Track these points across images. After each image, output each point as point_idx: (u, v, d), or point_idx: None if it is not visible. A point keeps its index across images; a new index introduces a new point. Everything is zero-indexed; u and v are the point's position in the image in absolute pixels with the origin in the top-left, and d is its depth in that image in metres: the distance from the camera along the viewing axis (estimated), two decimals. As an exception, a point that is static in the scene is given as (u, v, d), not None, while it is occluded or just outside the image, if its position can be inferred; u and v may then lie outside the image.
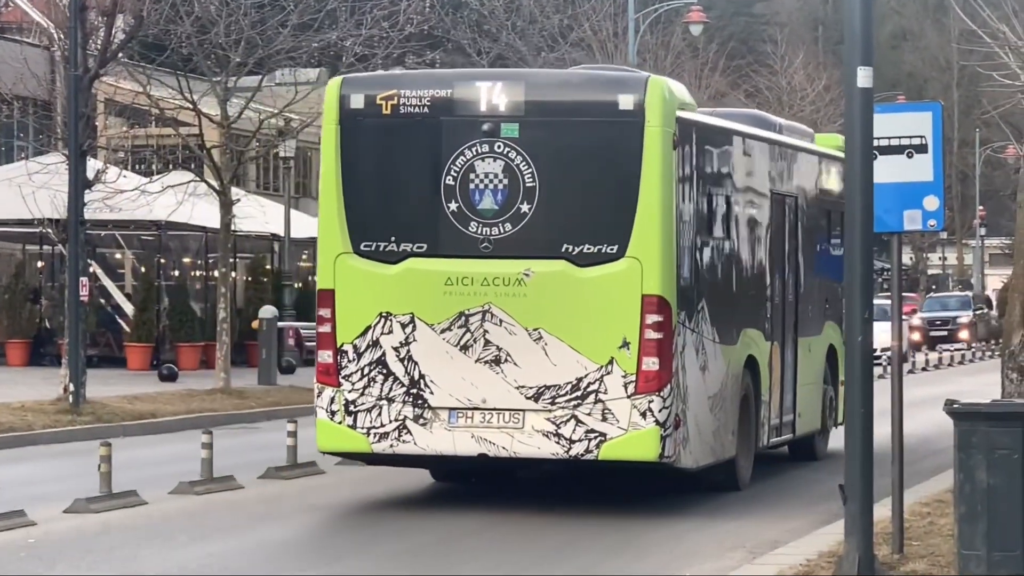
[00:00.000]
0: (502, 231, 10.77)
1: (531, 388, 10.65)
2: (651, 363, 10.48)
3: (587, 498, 11.87)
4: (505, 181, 10.75)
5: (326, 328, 10.96)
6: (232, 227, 21.20)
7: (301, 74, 23.41)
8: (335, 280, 10.98)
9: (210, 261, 25.80)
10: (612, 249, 10.64)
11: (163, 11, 19.74)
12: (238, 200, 21.42)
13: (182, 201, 21.29)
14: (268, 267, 27.51)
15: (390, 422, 10.82)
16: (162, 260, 25.97)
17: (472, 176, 10.78)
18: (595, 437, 10.56)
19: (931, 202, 8.61)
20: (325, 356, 10.96)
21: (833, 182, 14.71)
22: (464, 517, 10.94)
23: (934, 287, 58.48)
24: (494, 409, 10.66)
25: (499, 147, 10.78)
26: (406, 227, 10.90)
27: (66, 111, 18.85)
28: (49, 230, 20.02)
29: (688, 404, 10.91)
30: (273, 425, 17.69)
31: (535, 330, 10.66)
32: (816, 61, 46.84)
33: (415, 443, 10.78)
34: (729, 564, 9.01)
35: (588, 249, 10.67)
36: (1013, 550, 7.67)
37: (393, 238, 10.90)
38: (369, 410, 10.86)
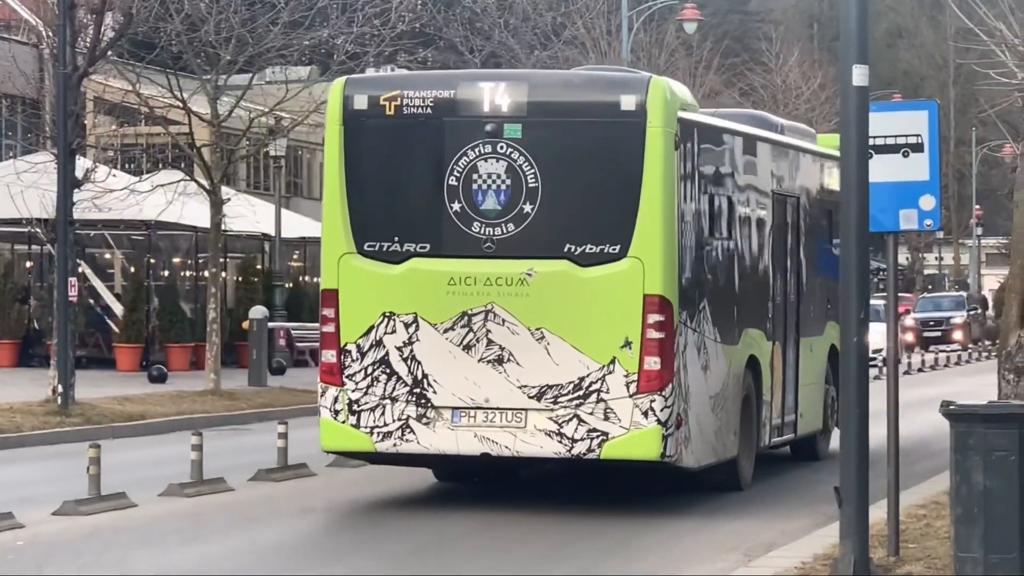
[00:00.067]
0: (505, 231, 10.86)
1: (533, 387, 10.73)
2: (653, 362, 10.56)
3: (587, 498, 11.88)
4: (508, 181, 10.84)
5: (330, 328, 11.04)
6: (222, 227, 21.14)
7: (292, 72, 23.36)
8: (339, 280, 11.06)
9: (200, 261, 25.70)
10: (614, 249, 10.73)
11: (152, 8, 19.66)
12: (228, 199, 21.35)
13: (172, 200, 21.21)
14: (259, 267, 27.41)
15: (393, 421, 10.89)
16: (152, 260, 25.88)
17: (475, 176, 10.87)
18: (597, 436, 10.64)
19: (927, 201, 8.58)
20: (329, 356, 11.04)
21: (834, 182, 14.73)
22: (458, 518, 10.95)
23: (930, 287, 57.92)
24: (497, 408, 10.74)
25: (502, 148, 10.88)
26: (409, 227, 11.00)
27: (55, 109, 18.76)
28: (38, 230, 19.92)
29: (690, 404, 10.98)
30: (264, 427, 17.67)
31: (537, 330, 10.74)
32: (811, 59, 46.66)
33: (418, 442, 10.86)
34: (724, 566, 9.03)
35: (590, 249, 10.76)
36: (1010, 552, 7.62)
37: (396, 238, 10.99)
38: (372, 409, 10.93)
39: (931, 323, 42.63)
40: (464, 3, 29.63)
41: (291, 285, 28.71)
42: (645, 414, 10.55)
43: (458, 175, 10.90)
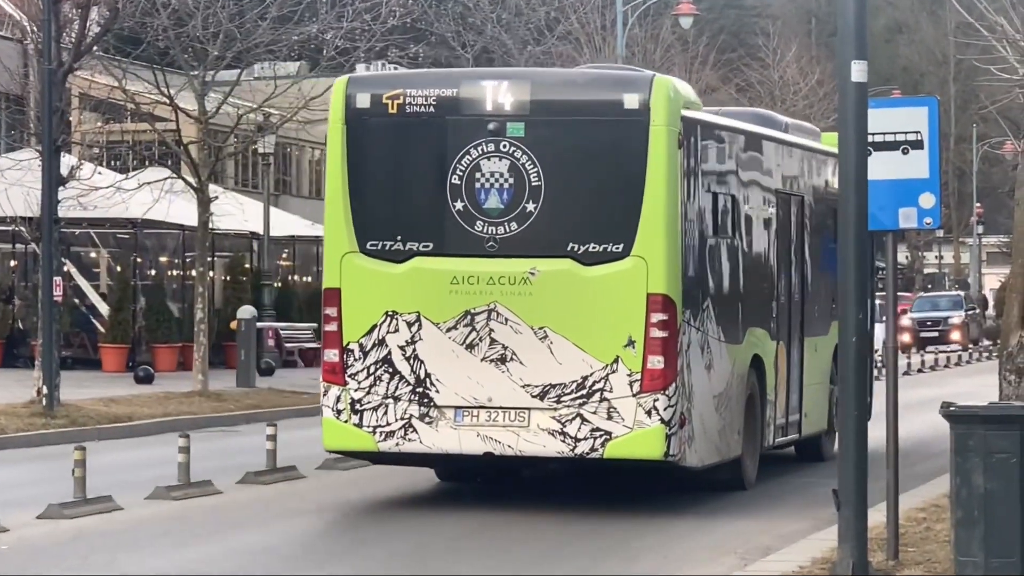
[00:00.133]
0: (508, 230, 10.89)
1: (537, 387, 10.76)
2: (656, 361, 10.59)
3: (586, 498, 11.85)
4: (511, 180, 10.87)
5: (332, 327, 11.06)
6: (210, 225, 20.99)
7: (281, 68, 23.25)
8: (341, 279, 11.08)
9: (187, 260, 25.54)
10: (617, 248, 10.76)
11: (139, 3, 19.53)
12: (216, 197, 21.21)
13: (159, 198, 21.06)
14: (247, 266, 27.26)
15: (396, 420, 10.92)
16: (138, 259, 25.72)
17: (478, 175, 10.91)
18: (600, 435, 10.67)
19: (927, 199, 8.51)
20: (331, 355, 11.06)
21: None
22: (451, 520, 10.91)
23: (930, 286, 57.35)
24: (500, 408, 10.77)
25: (505, 146, 10.91)
26: (412, 226, 11.03)
27: (39, 106, 18.60)
28: (22, 228, 19.76)
29: (693, 403, 11.01)
30: (252, 428, 17.56)
31: (540, 329, 10.77)
32: (809, 55, 46.43)
33: (421, 441, 10.89)
34: (720, 569, 8.99)
35: (593, 248, 10.79)
36: (1011, 556, 7.57)
37: (399, 237, 11.02)
38: (375, 409, 10.96)
39: (928, 323, 42.01)
40: (456, -3, 29.51)
41: (280, 284, 28.58)
42: (648, 413, 10.58)
43: (461, 174, 10.93)
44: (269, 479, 12.83)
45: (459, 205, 10.88)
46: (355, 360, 10.92)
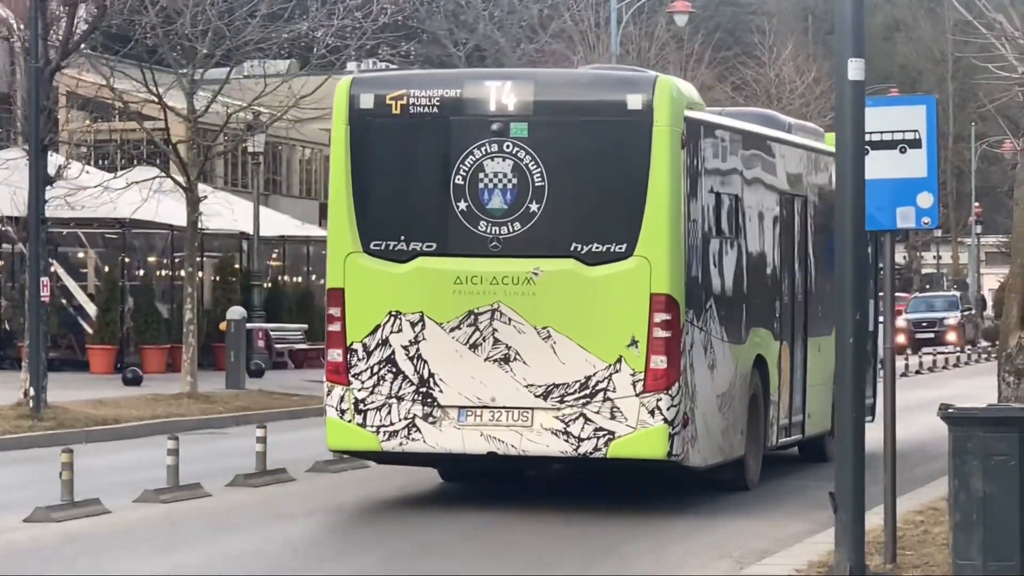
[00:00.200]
0: (511, 230, 10.94)
1: (540, 386, 10.81)
2: (659, 361, 10.65)
3: (585, 499, 11.85)
4: (514, 180, 10.93)
5: (336, 327, 11.10)
6: (199, 225, 20.88)
7: (271, 66, 23.15)
8: (345, 279, 11.13)
9: (176, 260, 25.42)
10: (620, 248, 10.81)
11: (127, 1, 19.36)
12: (205, 197, 21.11)
13: (147, 198, 20.95)
14: (236, 266, 27.15)
15: (400, 420, 10.97)
16: (126, 259, 25.58)
17: (481, 175, 10.96)
18: (603, 435, 10.72)
19: (925, 199, 8.46)
20: (335, 355, 11.10)
21: (841, 181, 14.80)
22: (444, 523, 10.87)
23: (928, 287, 56.99)
24: (503, 407, 10.82)
25: (508, 147, 10.96)
26: (415, 226, 11.08)
27: (26, 104, 18.47)
28: (9, 228, 19.66)
29: (696, 403, 11.06)
30: (241, 431, 17.46)
31: (544, 329, 10.83)
32: (805, 53, 46.27)
33: (424, 441, 10.94)
34: (716, 572, 8.93)
35: (597, 248, 10.85)
36: (1009, 560, 7.52)
37: (403, 237, 11.07)
38: (379, 408, 11.00)
39: (924, 324, 41.61)
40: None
41: (270, 285, 28.44)
42: (652, 413, 10.63)
43: (464, 174, 10.98)
44: (259, 482, 12.76)
45: (463, 205, 10.94)
46: (359, 360, 10.98)
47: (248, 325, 23.50)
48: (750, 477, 12.20)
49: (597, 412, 10.65)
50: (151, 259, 26.84)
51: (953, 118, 56.26)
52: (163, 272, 26.69)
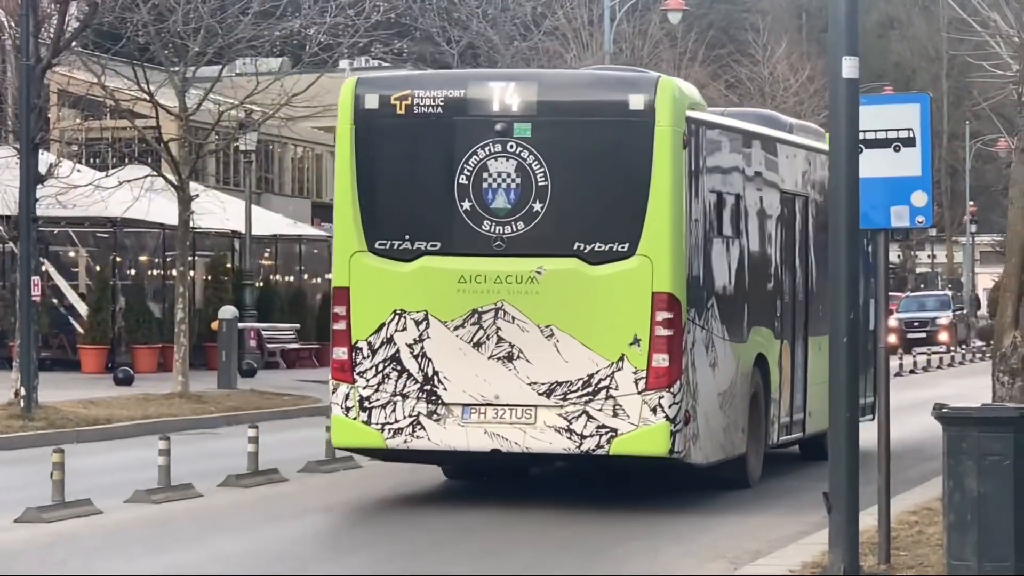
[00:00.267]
0: (515, 229, 11.03)
1: (543, 384, 10.91)
2: (661, 359, 10.74)
3: (585, 498, 11.86)
4: (518, 180, 11.03)
5: (341, 325, 11.20)
6: (191, 224, 20.83)
7: (263, 64, 23.06)
8: (350, 278, 11.22)
9: (168, 259, 25.32)
10: (623, 247, 10.91)
11: (118, -2, 19.28)
12: (197, 196, 21.06)
13: (138, 197, 20.88)
14: (228, 266, 27.08)
15: (404, 418, 11.06)
16: (118, 258, 25.48)
17: (485, 175, 11.05)
18: (606, 433, 10.81)
19: (919, 197, 8.44)
20: (340, 353, 11.19)
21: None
22: (437, 523, 10.86)
23: (922, 286, 56.74)
24: (507, 405, 10.90)
25: (512, 147, 11.06)
26: (420, 226, 11.17)
27: (17, 102, 18.37)
28: (-1, 227, 19.53)
29: (698, 400, 11.15)
30: (233, 431, 17.41)
31: (547, 327, 10.92)
32: (799, 50, 46.15)
33: (429, 439, 11.03)
34: (709, 573, 8.85)
35: (599, 247, 10.94)
36: (1004, 560, 7.51)
37: (407, 236, 11.17)
38: (383, 406, 11.09)
39: (915, 324, 41.26)
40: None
41: (262, 284, 28.34)
42: (654, 410, 10.72)
43: (468, 174, 11.07)
44: (251, 482, 12.72)
45: (466, 205, 11.03)
46: (363, 358, 11.08)
47: (240, 325, 23.42)
48: (751, 475, 12.29)
49: (600, 410, 10.74)
50: (142, 258, 26.75)
51: (947, 116, 56.07)
52: (155, 271, 26.59)
